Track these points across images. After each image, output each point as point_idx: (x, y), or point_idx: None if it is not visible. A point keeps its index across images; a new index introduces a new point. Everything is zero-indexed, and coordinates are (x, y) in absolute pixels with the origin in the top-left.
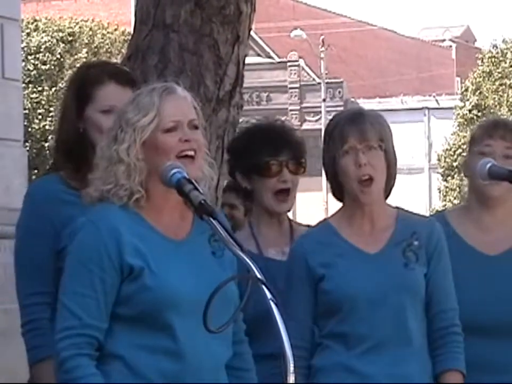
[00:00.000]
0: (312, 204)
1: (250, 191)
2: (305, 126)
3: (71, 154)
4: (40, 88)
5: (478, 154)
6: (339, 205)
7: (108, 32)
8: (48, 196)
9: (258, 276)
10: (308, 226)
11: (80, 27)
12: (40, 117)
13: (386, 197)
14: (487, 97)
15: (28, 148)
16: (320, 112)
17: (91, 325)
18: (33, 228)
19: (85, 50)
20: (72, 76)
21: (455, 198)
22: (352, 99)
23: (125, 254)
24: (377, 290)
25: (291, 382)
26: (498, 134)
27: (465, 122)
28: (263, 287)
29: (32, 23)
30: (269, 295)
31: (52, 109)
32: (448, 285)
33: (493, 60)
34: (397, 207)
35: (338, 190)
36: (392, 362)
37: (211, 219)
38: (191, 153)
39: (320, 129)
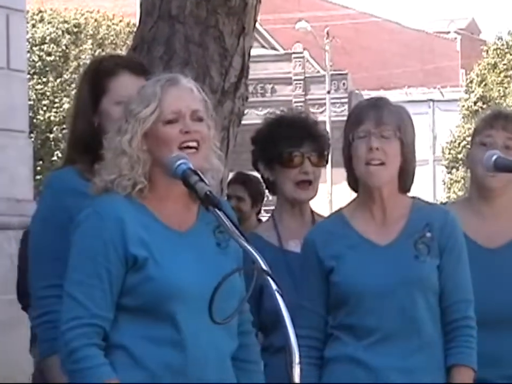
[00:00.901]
0: (317, 195)
1: (272, 182)
2: None
3: (87, 149)
4: (45, 80)
5: (479, 145)
6: (343, 196)
7: (113, 24)
8: (65, 187)
9: (264, 267)
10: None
11: (85, 18)
12: (45, 108)
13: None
14: (491, 89)
15: (32, 139)
16: (325, 104)
17: (98, 315)
18: (50, 219)
19: (90, 41)
20: (84, 70)
21: (459, 190)
22: (357, 91)
23: (129, 244)
24: (385, 283)
25: (296, 373)
26: (500, 125)
27: (470, 115)
28: (268, 278)
29: (37, 14)
30: (274, 286)
31: (56, 100)
32: (461, 276)
33: (498, 51)
34: (413, 197)
35: (353, 178)
36: (400, 354)
37: (216, 210)
38: (193, 144)
39: (325, 121)
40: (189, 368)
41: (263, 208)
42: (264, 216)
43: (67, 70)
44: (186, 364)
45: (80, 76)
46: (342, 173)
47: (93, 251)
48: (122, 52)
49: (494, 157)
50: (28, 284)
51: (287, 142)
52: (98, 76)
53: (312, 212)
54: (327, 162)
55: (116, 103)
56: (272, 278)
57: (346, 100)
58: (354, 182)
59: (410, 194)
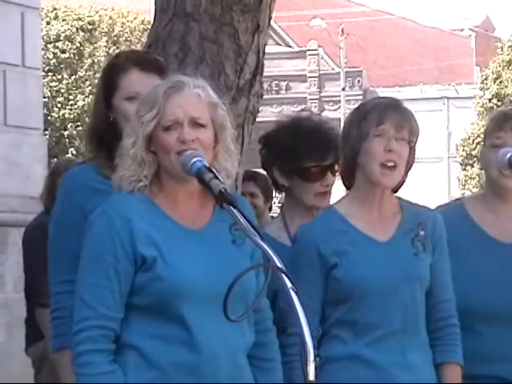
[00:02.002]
0: (332, 192)
1: (287, 187)
2: (324, 115)
3: (103, 143)
4: (59, 77)
5: (490, 147)
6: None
7: (128, 21)
8: (80, 184)
9: (279, 265)
10: None
11: (99, 16)
12: (59, 105)
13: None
14: (506, 86)
15: (47, 136)
16: (339, 101)
17: (106, 316)
18: (65, 216)
19: (104, 39)
20: (104, 67)
21: (474, 187)
22: (372, 88)
23: (138, 243)
24: (390, 280)
25: (311, 371)
26: (509, 126)
27: (485, 112)
28: (283, 276)
29: (52, 12)
30: (289, 284)
31: (71, 97)
32: (447, 276)
33: None
34: (398, 197)
35: (350, 174)
36: (400, 350)
37: (231, 208)
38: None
39: (339, 119)
40: (200, 367)
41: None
42: (276, 213)
43: (81, 67)
44: (198, 363)
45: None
46: None
47: (102, 251)
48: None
49: (509, 155)
50: (31, 285)
51: (309, 157)
52: (110, 73)
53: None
54: None
55: (126, 99)
56: (287, 276)
57: (361, 97)
58: (349, 177)
59: (423, 191)
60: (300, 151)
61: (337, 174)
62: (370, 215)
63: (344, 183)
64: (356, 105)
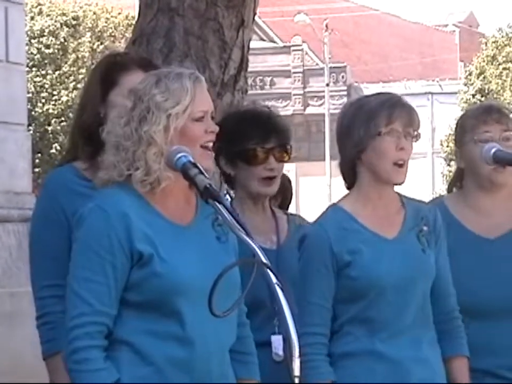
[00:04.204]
0: (316, 188)
1: (233, 177)
2: (309, 110)
3: (90, 140)
4: (43, 72)
5: (476, 143)
6: (342, 189)
7: (112, 16)
8: (62, 186)
9: (264, 260)
10: (286, 214)
11: (84, 11)
12: (43, 100)
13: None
14: (490, 81)
15: (31, 132)
16: (324, 96)
17: (102, 312)
18: (46, 219)
19: (88, 34)
20: (96, 64)
21: None
22: (356, 84)
23: (134, 239)
24: (403, 276)
25: (296, 366)
26: (494, 119)
27: (469, 107)
28: (268, 271)
29: (36, 7)
30: (274, 279)
31: (55, 92)
32: (448, 270)
33: (497, 43)
34: (397, 193)
35: (351, 171)
36: (413, 345)
37: (216, 203)
38: (211, 144)
39: (323, 114)
40: (194, 363)
41: None
42: None
43: (65, 62)
44: (192, 359)
45: (91, 70)
46: None
47: (98, 247)
48: (121, 44)
49: (493, 150)
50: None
51: (251, 138)
52: (110, 69)
53: (271, 207)
54: (289, 157)
55: (124, 97)
56: (272, 271)
57: (345, 93)
58: (352, 174)
59: (408, 186)
60: (240, 133)
61: (284, 160)
62: (376, 212)
63: (346, 181)
64: (340, 101)
